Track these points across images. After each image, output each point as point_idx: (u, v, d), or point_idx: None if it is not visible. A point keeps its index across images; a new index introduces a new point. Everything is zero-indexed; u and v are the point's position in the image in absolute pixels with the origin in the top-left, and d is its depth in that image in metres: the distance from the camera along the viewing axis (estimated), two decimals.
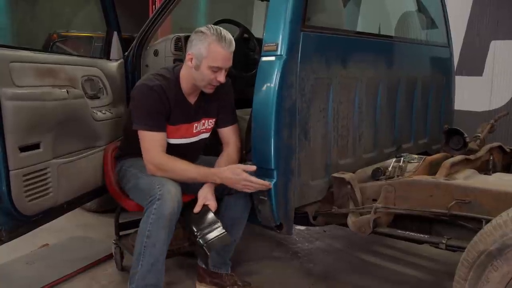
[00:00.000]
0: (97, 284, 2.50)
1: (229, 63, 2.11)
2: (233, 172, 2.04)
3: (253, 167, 2.03)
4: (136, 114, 2.14)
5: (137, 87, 2.17)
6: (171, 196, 1.97)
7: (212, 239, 2.04)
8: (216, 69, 2.08)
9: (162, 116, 2.13)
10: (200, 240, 2.04)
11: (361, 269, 2.77)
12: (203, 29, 2.09)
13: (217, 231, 2.06)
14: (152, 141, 2.10)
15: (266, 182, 2.00)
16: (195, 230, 2.06)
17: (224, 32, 2.08)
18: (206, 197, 2.09)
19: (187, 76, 2.16)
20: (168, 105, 2.13)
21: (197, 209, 2.08)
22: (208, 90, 2.16)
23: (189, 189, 2.19)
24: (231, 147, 2.29)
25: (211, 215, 2.08)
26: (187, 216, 2.11)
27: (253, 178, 2.00)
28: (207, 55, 2.06)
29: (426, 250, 2.73)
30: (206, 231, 2.05)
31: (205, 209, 2.09)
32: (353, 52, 2.30)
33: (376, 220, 2.02)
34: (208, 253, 2.04)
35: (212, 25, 2.11)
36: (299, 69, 2.02)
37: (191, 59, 2.10)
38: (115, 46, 2.75)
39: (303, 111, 2.06)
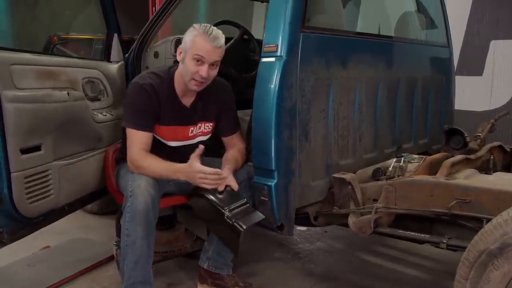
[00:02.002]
0: (99, 285, 2.51)
1: (213, 57, 2.07)
2: (193, 167, 2.01)
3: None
4: (125, 111, 2.18)
5: (130, 84, 2.21)
6: (141, 190, 1.97)
7: (242, 216, 1.97)
8: (198, 58, 2.05)
9: (150, 115, 2.13)
10: (229, 220, 1.95)
11: (362, 269, 2.77)
12: (195, 24, 2.11)
13: (246, 209, 2.01)
14: (135, 139, 2.11)
15: (218, 171, 2.01)
16: (221, 208, 1.97)
17: (213, 28, 2.09)
18: (229, 177, 2.07)
19: (179, 74, 2.17)
20: (158, 104, 2.14)
21: (221, 187, 2.03)
22: (193, 87, 2.13)
23: (183, 188, 2.19)
24: (236, 150, 2.29)
25: (236, 194, 2.04)
26: (209, 196, 2.03)
27: (208, 169, 1.99)
28: (190, 46, 2.07)
29: (427, 249, 2.73)
30: (232, 207, 1.98)
31: (229, 189, 2.04)
32: (353, 52, 2.30)
33: (376, 220, 2.02)
34: (241, 230, 1.93)
35: (207, 24, 2.12)
36: (299, 70, 2.02)
37: (180, 53, 2.13)
38: (115, 48, 2.75)
39: (303, 112, 2.06)
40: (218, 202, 2.00)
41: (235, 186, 2.07)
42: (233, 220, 1.95)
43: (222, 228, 2.04)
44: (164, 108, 2.16)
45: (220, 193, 2.03)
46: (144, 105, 2.12)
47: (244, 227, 1.94)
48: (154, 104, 2.13)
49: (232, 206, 1.99)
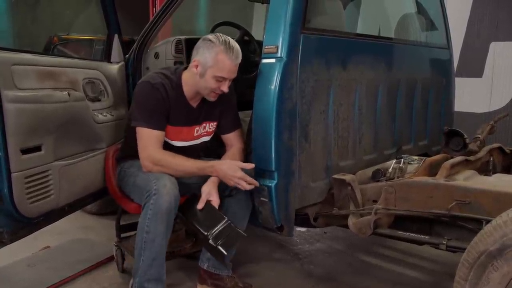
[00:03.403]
0: (98, 286, 2.51)
1: (234, 75, 2.12)
2: (230, 168, 2.06)
3: (252, 165, 2.06)
4: (136, 111, 2.16)
5: (139, 84, 2.20)
6: (167, 189, 1.98)
7: (225, 238, 2.02)
8: (220, 79, 2.08)
9: (163, 114, 2.14)
10: (212, 242, 2.02)
11: (362, 271, 2.77)
12: (211, 37, 2.08)
13: (228, 229, 2.04)
14: (150, 138, 2.11)
15: (257, 182, 2.04)
16: (204, 231, 2.04)
17: (233, 43, 2.08)
18: (209, 193, 2.09)
19: (191, 82, 2.17)
20: (168, 104, 2.15)
21: (200, 205, 2.07)
22: (211, 98, 2.18)
23: (183, 189, 2.20)
24: (235, 149, 2.30)
25: (217, 213, 2.07)
26: (191, 217, 2.10)
27: (249, 178, 2.03)
28: (212, 65, 2.06)
29: (426, 251, 2.73)
30: (215, 230, 2.03)
31: (209, 206, 2.07)
32: (353, 54, 2.31)
33: (376, 221, 2.03)
34: (225, 253, 2.02)
35: (221, 34, 2.10)
36: (299, 71, 2.03)
37: (197, 66, 2.11)
38: (116, 49, 2.76)
39: (303, 113, 2.07)
40: (201, 225, 2.06)
41: (215, 201, 2.09)
42: (216, 244, 2.02)
43: (206, 246, 2.11)
44: (174, 109, 2.17)
45: (201, 210, 2.07)
46: (156, 104, 2.12)
47: (226, 252, 2.03)
48: (166, 103, 2.14)
49: (215, 229, 2.03)
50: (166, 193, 1.98)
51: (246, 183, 2.03)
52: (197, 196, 2.12)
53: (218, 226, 2.04)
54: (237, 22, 2.98)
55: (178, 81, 2.19)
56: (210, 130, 2.34)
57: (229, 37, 2.10)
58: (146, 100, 2.13)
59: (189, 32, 6.41)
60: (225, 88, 2.11)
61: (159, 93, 2.11)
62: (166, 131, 2.18)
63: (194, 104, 2.24)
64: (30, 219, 2.06)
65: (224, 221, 2.06)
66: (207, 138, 2.34)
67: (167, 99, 2.13)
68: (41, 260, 2.79)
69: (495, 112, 3.92)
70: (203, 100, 2.25)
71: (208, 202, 2.09)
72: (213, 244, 2.02)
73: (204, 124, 2.30)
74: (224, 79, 2.09)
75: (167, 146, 2.20)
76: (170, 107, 2.15)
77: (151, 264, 2.03)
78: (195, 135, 2.28)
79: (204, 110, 2.27)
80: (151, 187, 2.01)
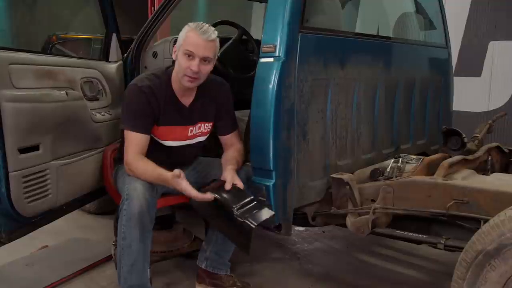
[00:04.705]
0: (96, 285, 2.51)
1: (203, 52, 2.05)
2: (179, 185, 1.99)
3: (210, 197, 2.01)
4: (123, 113, 2.17)
5: (128, 86, 2.20)
6: (137, 193, 1.97)
7: (252, 213, 1.94)
8: (189, 53, 2.05)
9: (149, 118, 2.13)
10: (239, 218, 1.92)
11: (360, 270, 2.77)
12: (189, 23, 2.11)
13: (254, 206, 1.99)
14: (131, 141, 2.10)
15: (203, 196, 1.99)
16: (229, 207, 1.95)
17: (207, 25, 2.09)
18: (234, 177, 2.07)
19: (175, 73, 2.17)
20: (157, 106, 2.13)
21: (228, 186, 2.03)
22: (187, 83, 2.11)
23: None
24: (235, 150, 2.29)
25: (244, 192, 2.03)
26: (217, 200, 2.01)
27: (194, 193, 1.98)
28: (182, 42, 2.07)
29: (424, 250, 2.73)
30: (241, 205, 1.96)
31: (236, 188, 2.03)
32: (351, 53, 2.31)
33: (374, 220, 2.03)
34: (253, 227, 1.89)
35: (200, 22, 2.11)
36: (298, 70, 2.02)
37: (175, 51, 2.13)
38: (114, 48, 2.76)
39: (301, 112, 2.06)
40: (226, 201, 1.99)
41: (240, 184, 2.06)
42: (243, 218, 1.93)
43: (231, 227, 2.03)
44: (164, 109, 2.15)
45: (227, 192, 2.03)
46: (142, 108, 2.11)
47: (255, 224, 1.91)
48: (153, 106, 2.12)
49: (240, 204, 1.97)
50: (137, 197, 1.96)
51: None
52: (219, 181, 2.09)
53: (243, 201, 1.98)
54: (236, 21, 2.98)
55: (168, 79, 2.17)
56: (205, 131, 2.32)
57: (208, 24, 2.10)
58: (131, 103, 2.13)
59: None
60: (194, 67, 2.04)
61: (144, 96, 2.10)
62: (158, 131, 2.18)
63: (186, 102, 2.22)
64: (28, 219, 2.07)
65: (250, 198, 2.02)
66: (202, 138, 2.33)
67: (155, 102, 2.12)
68: (39, 260, 2.79)
69: (493, 111, 3.92)
70: (196, 99, 2.23)
71: (234, 184, 2.05)
72: (240, 219, 1.92)
73: (199, 125, 2.29)
74: (192, 53, 2.04)
75: (160, 146, 2.20)
76: (159, 109, 2.13)
77: (130, 271, 2.01)
78: (189, 135, 2.27)
79: (198, 109, 2.25)
80: (123, 192, 2.01)
